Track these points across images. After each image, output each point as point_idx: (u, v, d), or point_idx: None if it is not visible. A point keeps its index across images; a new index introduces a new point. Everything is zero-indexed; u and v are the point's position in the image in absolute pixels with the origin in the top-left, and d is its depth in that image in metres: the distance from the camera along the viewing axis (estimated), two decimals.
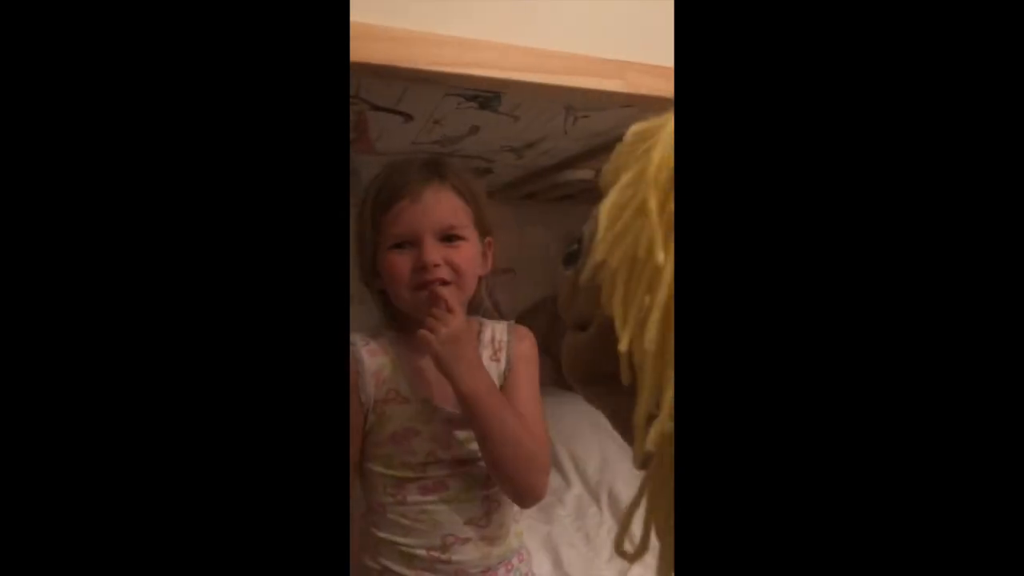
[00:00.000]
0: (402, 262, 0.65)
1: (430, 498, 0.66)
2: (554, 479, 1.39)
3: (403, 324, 0.72)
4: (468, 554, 0.67)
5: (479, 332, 0.74)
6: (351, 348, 0.69)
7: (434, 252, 0.64)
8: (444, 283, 0.65)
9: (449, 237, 0.66)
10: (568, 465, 1.39)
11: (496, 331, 0.75)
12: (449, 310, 0.63)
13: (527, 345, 0.75)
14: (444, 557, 0.66)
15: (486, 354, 0.72)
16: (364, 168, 1.21)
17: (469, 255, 0.67)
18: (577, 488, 1.33)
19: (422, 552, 0.66)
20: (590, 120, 0.92)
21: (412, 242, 0.65)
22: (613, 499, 1.25)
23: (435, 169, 0.68)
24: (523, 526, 0.75)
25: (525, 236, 1.93)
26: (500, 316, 1.90)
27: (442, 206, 0.66)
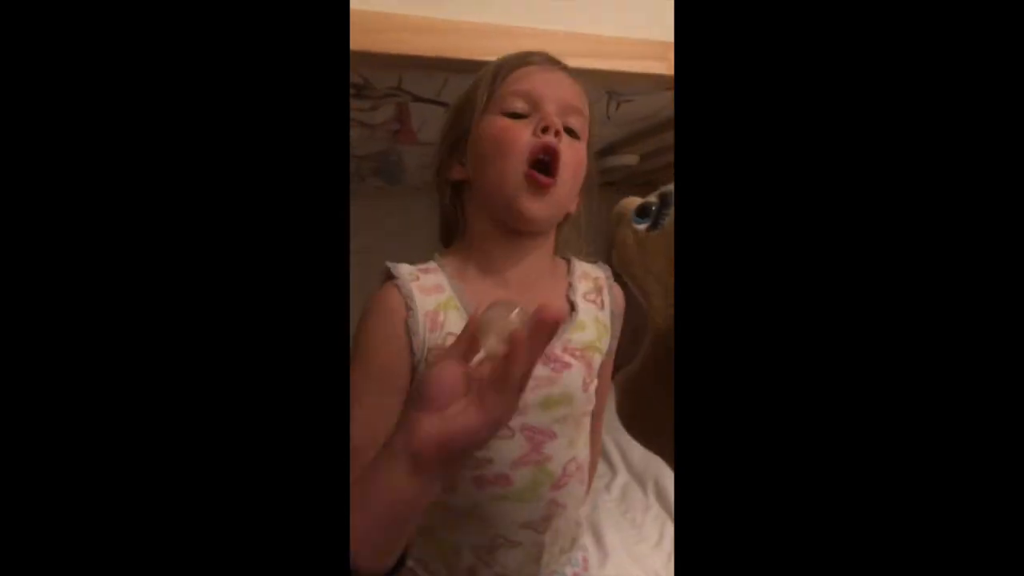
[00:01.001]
0: (518, 127, 0.55)
1: (486, 493, 0.55)
2: (600, 468, 1.39)
3: (468, 243, 0.60)
4: (514, 561, 0.58)
5: (568, 268, 0.64)
6: (398, 284, 0.55)
7: (556, 118, 0.55)
8: (552, 166, 0.54)
9: (568, 128, 0.56)
10: (614, 454, 1.39)
11: (587, 268, 0.65)
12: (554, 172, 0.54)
13: (623, 302, 0.66)
14: (488, 559, 0.57)
15: (582, 288, 0.62)
16: (408, 158, 1.22)
17: (580, 156, 0.57)
18: (623, 476, 1.33)
19: (467, 551, 0.57)
20: (633, 104, 0.91)
21: (533, 108, 0.56)
22: (660, 489, 1.24)
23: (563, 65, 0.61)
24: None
25: None
26: None
27: (570, 85, 0.58)
